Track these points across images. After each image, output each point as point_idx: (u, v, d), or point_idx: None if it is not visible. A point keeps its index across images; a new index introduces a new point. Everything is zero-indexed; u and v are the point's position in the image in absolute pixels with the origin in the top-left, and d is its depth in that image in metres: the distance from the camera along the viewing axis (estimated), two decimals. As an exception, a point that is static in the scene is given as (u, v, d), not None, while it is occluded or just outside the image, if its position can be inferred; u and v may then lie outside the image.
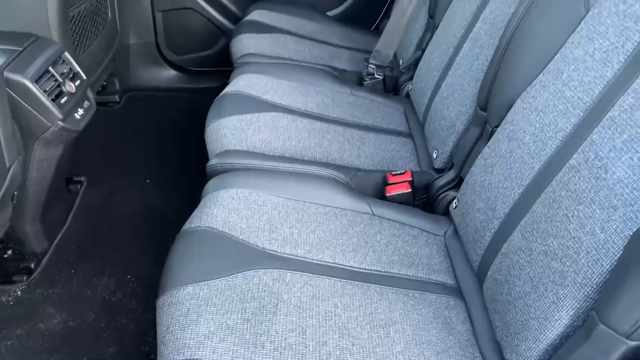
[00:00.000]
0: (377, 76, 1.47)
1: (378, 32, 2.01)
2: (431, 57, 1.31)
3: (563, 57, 0.78)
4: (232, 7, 2.01)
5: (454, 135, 1.08)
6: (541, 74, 0.81)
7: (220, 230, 0.84)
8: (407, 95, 1.45)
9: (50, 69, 1.13)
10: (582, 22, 0.77)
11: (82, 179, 1.56)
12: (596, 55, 0.70)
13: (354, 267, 0.83)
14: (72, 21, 1.38)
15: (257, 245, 0.83)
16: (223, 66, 1.89)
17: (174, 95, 2.09)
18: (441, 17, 1.35)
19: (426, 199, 1.11)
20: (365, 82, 1.51)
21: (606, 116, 0.63)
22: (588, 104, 0.68)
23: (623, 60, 0.65)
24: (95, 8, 1.55)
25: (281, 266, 0.79)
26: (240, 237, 0.83)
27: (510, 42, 0.90)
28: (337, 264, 0.83)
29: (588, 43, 0.73)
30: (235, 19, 1.95)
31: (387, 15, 2.05)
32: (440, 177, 1.08)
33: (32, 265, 1.28)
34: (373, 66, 1.48)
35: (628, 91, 0.62)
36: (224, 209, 0.88)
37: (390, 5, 2.03)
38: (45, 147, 1.15)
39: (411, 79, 1.46)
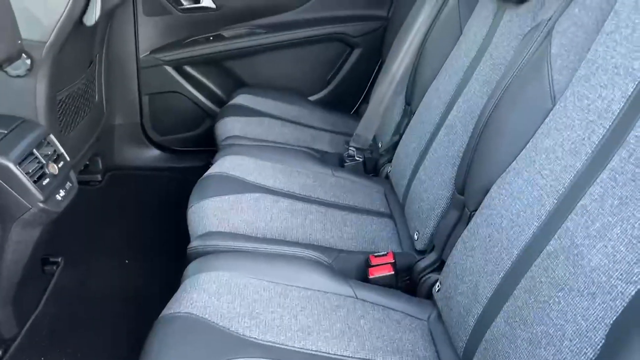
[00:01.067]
0: (358, 158, 1.51)
1: (358, 115, 2.09)
2: (409, 142, 1.36)
3: (534, 146, 0.82)
4: (218, 91, 2.08)
5: (434, 217, 1.10)
6: (515, 161, 0.85)
7: (200, 316, 0.82)
8: (387, 177, 1.49)
9: (35, 151, 1.14)
10: (550, 114, 0.82)
11: (59, 259, 1.53)
12: (565, 146, 0.74)
13: (337, 354, 0.81)
14: (60, 104, 1.42)
15: (238, 333, 0.81)
16: (207, 146, 1.92)
17: (157, 175, 2.11)
18: (418, 103, 1.41)
19: (409, 281, 1.10)
20: (346, 164, 1.55)
21: (578, 204, 0.66)
22: (560, 192, 0.71)
23: (590, 151, 0.69)
24: (83, 91, 1.59)
25: (262, 355, 0.77)
26: (221, 324, 0.81)
27: (483, 130, 0.95)
28: (320, 351, 0.81)
29: (557, 134, 0.77)
30: (221, 102, 2.02)
31: (366, 100, 2.15)
32: (422, 259, 1.09)
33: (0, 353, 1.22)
34: (353, 149, 1.53)
35: (597, 181, 0.65)
36: (204, 294, 0.87)
37: (370, 91, 2.14)
38: (23, 228, 1.13)
39: (390, 160, 1.50)
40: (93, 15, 1.30)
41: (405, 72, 1.53)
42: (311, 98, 2.14)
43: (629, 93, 0.66)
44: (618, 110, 0.67)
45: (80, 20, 1.30)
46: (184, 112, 2.08)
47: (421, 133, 1.30)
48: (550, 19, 0.91)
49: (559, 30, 0.87)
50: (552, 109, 0.83)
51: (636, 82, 0.66)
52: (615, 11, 0.75)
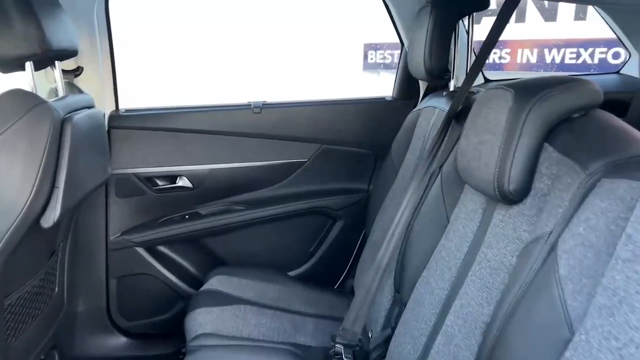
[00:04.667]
0: (346, 358, 1.34)
1: (344, 291, 1.95)
2: (403, 342, 1.21)
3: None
4: (193, 270, 1.95)
5: None
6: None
7: None
8: (381, 377, 1.30)
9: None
10: (571, 347, 0.69)
11: None
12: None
13: None
14: (8, 309, 1.26)
15: None
16: (179, 331, 1.73)
17: (122, 367, 1.88)
18: (408, 294, 1.29)
19: None
20: (332, 362, 1.36)
21: None
22: None
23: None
24: (40, 288, 1.44)
25: None
26: None
27: (492, 355, 0.81)
28: None
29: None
30: (196, 282, 1.87)
31: (351, 274, 2.03)
32: None
33: None
34: (340, 346, 1.36)
35: None
36: None
37: (354, 263, 2.02)
38: None
39: (383, 356, 1.33)
40: (52, 216, 1.20)
41: (392, 257, 1.42)
42: (293, 273, 2.01)
43: None
44: None
45: (37, 221, 1.20)
46: (154, 295, 1.92)
47: (416, 334, 1.15)
48: (551, 232, 0.83)
49: (565, 250, 0.78)
50: (571, 340, 0.70)
51: None
52: (628, 236, 0.67)
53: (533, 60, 6.98)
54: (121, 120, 1.81)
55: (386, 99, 2.00)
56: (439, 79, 1.56)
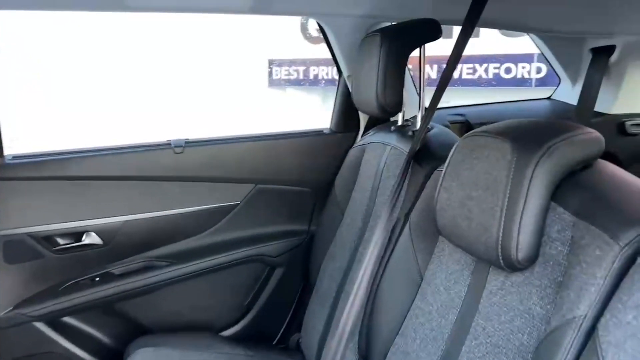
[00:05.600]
0: None
1: (289, 348, 1.75)
2: None
3: None
4: (109, 342, 1.63)
5: None
6: None
7: None
8: None
9: None
10: None
11: None
12: None
13: None
14: None
15: None
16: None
17: None
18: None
19: None
20: None
21: None
22: None
23: None
24: None
25: None
26: None
27: None
28: None
29: None
30: (114, 357, 1.57)
31: (293, 328, 1.82)
32: None
33: None
34: None
35: None
36: None
37: (295, 315, 1.82)
38: None
39: None
40: None
41: (357, 318, 1.24)
42: (229, 332, 1.76)
43: None
44: None
45: None
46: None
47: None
48: (585, 316, 0.70)
49: (611, 342, 0.64)
50: None
51: None
52: None
53: (434, 75, 7.25)
54: (8, 170, 1.47)
55: (324, 131, 1.83)
56: (392, 114, 1.42)
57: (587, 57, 1.82)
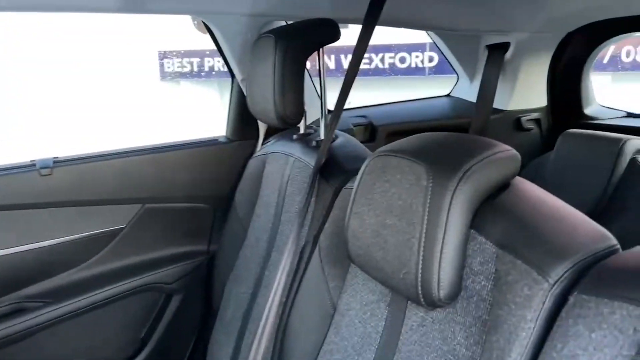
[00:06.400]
0: None
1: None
2: None
3: None
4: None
5: None
6: None
7: None
8: None
9: None
10: None
11: None
12: None
13: None
14: None
15: None
16: None
17: None
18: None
19: None
20: None
21: None
22: None
23: None
24: None
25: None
26: None
27: None
28: None
29: None
30: None
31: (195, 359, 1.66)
32: None
33: None
34: None
35: None
36: None
37: (198, 345, 1.65)
38: None
39: None
40: None
41: (265, 353, 1.11)
42: (123, 371, 1.56)
43: None
44: None
45: None
46: None
47: None
48: None
49: None
50: None
51: None
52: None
53: (332, 66, 7.25)
54: None
55: (219, 140, 1.65)
56: (293, 125, 1.29)
57: (484, 54, 1.82)
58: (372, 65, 7.56)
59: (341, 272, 1.01)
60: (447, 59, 1.90)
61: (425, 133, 0.90)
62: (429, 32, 1.79)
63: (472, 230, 0.76)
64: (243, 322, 1.35)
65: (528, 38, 1.77)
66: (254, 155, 1.51)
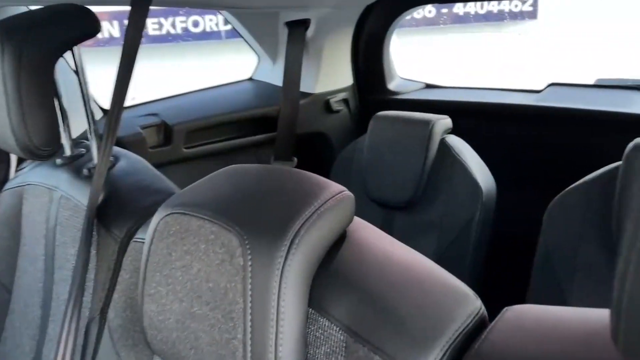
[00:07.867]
0: None
1: None
2: None
3: None
4: None
5: None
6: None
7: None
8: None
9: None
10: None
11: None
12: None
13: None
14: None
15: None
16: None
17: None
18: None
19: None
20: None
21: None
22: None
23: None
24: None
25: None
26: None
27: None
28: None
29: None
30: None
31: None
32: None
33: None
34: None
35: None
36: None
37: None
38: None
39: None
40: None
41: None
42: None
43: None
44: None
45: None
46: None
47: None
48: None
49: None
50: None
51: None
52: None
53: (116, 34, 6.42)
54: None
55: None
56: (49, 155, 0.93)
57: (284, 33, 1.63)
58: (163, 31, 6.92)
59: (145, 357, 0.76)
60: (245, 39, 1.67)
61: (232, 167, 0.68)
62: (223, 12, 1.53)
63: (310, 310, 0.57)
64: None
65: (328, 14, 1.62)
66: (5, 187, 1.12)
